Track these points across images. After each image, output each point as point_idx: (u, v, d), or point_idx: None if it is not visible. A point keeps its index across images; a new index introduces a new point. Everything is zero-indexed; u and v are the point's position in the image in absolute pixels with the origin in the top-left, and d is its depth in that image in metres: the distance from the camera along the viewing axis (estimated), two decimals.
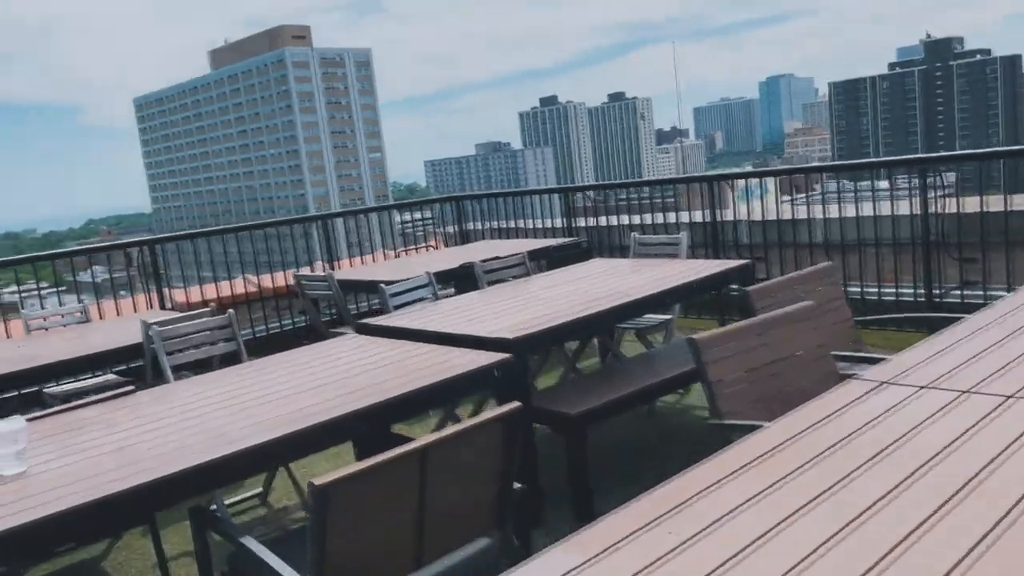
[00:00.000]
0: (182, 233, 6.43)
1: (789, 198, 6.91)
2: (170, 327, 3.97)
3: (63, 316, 5.38)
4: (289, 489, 4.01)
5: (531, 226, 8.15)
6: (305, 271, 7.06)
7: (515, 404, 2.34)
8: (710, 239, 6.10)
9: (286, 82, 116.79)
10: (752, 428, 2.14)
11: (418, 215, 8.56)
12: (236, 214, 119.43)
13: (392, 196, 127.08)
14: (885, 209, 5.78)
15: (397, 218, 8.46)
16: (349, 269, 6.30)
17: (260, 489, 4.08)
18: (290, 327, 7.03)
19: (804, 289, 3.56)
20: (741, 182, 7.22)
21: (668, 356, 4.20)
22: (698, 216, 6.48)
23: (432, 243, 8.19)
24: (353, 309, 6.46)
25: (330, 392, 2.88)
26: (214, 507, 3.51)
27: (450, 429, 2.28)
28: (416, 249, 7.78)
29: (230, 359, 4.21)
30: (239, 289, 7.17)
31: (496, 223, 8.24)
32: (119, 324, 5.27)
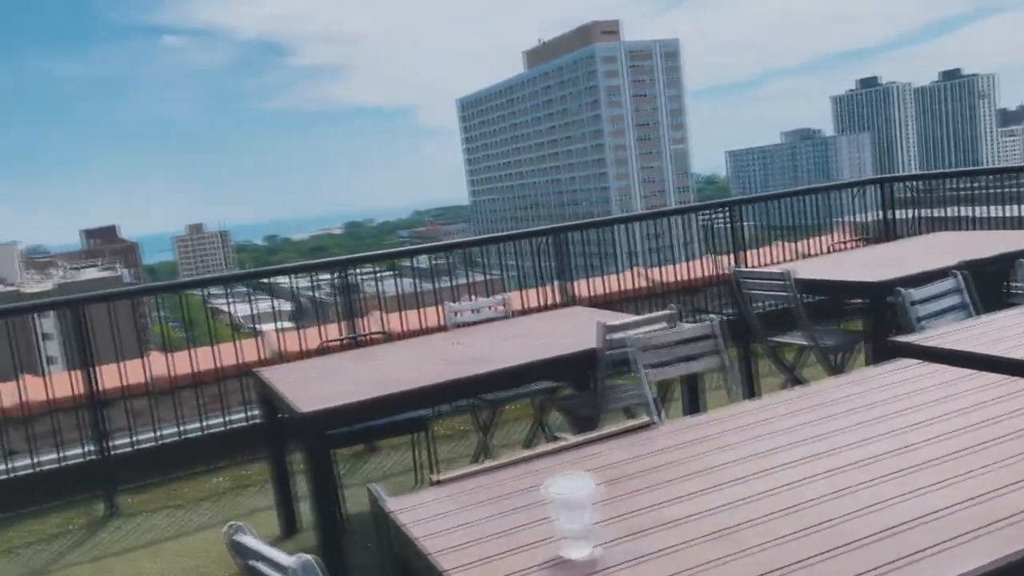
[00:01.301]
0: (585, 222, 5.82)
1: None
2: (651, 334, 3.18)
3: (475, 312, 4.94)
4: None
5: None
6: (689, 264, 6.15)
7: None
8: None
9: (594, 77, 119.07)
10: None
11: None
12: (543, 207, 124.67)
13: (693, 189, 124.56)
14: None
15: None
16: (808, 265, 5.17)
17: None
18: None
19: None
20: None
21: None
22: None
23: (848, 237, 6.83)
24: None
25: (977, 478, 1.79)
26: None
27: None
28: (843, 244, 6.47)
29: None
30: (624, 283, 6.45)
31: (937, 211, 6.68)
32: (541, 322, 4.70)
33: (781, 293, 4.47)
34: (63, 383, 4.78)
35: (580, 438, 2.43)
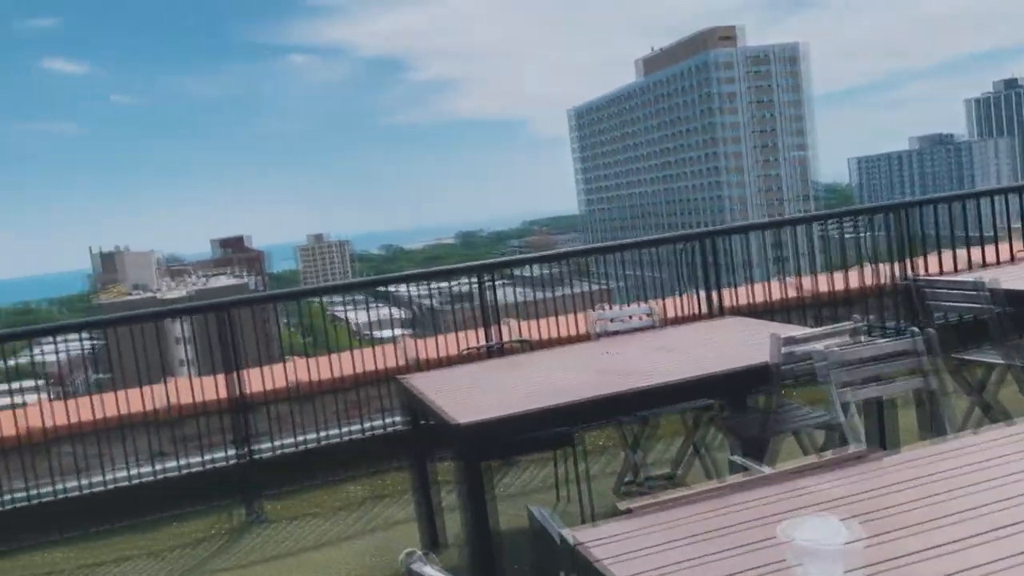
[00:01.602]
0: (738, 225, 5.45)
1: None
2: (839, 348, 2.83)
3: (615, 320, 4.64)
4: None
5: None
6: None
7: None
8: None
9: (709, 84, 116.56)
10: None
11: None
12: (655, 216, 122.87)
13: (814, 197, 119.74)
14: None
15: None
16: (995, 274, 4.64)
17: None
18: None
19: None
20: None
21: None
22: None
23: None
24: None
25: None
26: None
27: None
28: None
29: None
30: (770, 292, 6.01)
31: None
32: (692, 332, 4.38)
33: (971, 304, 3.98)
34: (209, 386, 4.81)
35: (784, 468, 2.12)
